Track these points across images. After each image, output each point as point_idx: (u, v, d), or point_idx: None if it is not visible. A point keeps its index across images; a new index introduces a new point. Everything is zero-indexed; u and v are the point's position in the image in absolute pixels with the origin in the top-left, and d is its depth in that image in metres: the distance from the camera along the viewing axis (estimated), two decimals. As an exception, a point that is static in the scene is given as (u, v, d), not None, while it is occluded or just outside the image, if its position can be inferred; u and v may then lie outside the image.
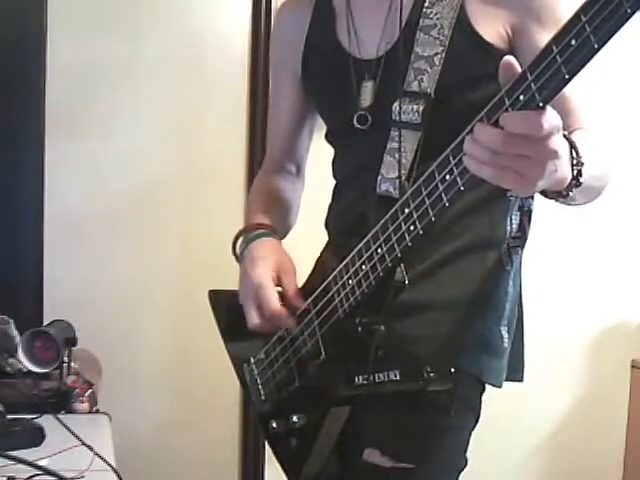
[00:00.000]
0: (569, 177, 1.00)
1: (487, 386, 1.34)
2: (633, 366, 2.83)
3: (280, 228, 1.46)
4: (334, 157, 1.47)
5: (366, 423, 1.29)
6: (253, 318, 1.34)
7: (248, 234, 1.42)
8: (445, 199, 1.05)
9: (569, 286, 2.72)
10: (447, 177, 1.03)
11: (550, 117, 0.89)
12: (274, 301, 1.31)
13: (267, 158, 1.62)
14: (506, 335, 1.32)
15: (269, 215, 1.47)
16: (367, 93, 1.31)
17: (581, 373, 2.80)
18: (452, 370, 1.19)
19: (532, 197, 1.33)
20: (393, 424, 1.28)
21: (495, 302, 1.31)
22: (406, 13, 1.28)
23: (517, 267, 1.33)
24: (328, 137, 1.48)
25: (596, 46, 0.82)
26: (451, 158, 1.02)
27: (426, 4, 1.25)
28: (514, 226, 1.31)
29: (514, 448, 2.71)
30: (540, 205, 1.36)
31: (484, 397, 1.34)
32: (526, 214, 1.32)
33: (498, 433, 2.47)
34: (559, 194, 1.03)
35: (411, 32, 1.25)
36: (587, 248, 2.73)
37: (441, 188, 1.05)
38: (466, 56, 1.23)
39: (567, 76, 0.85)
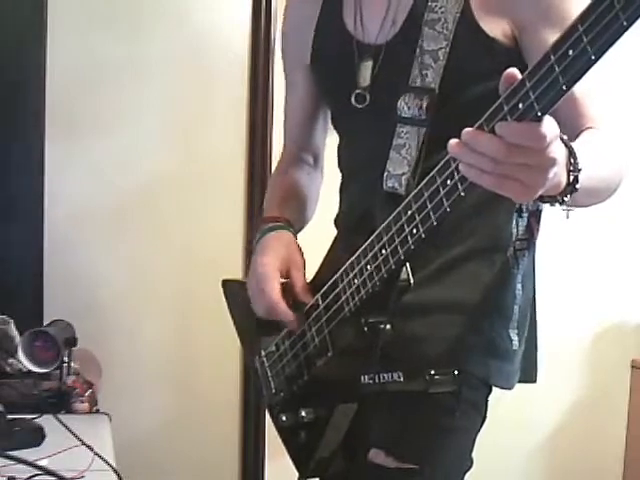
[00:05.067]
0: (564, 182, 0.99)
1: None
2: (633, 366, 2.83)
3: (296, 221, 1.46)
4: (339, 146, 1.47)
5: (371, 423, 1.29)
6: (260, 307, 1.35)
7: (263, 226, 1.43)
8: (446, 204, 1.04)
9: (569, 286, 2.72)
10: (448, 182, 1.03)
11: (549, 126, 0.88)
12: (275, 294, 1.32)
13: (284, 150, 1.62)
14: (515, 338, 1.31)
15: (285, 208, 1.47)
16: (366, 73, 1.32)
17: (581, 373, 2.80)
18: (456, 373, 1.19)
19: (539, 199, 1.33)
20: (398, 425, 1.28)
21: (503, 305, 1.30)
22: (409, 3, 1.27)
23: (526, 269, 1.33)
24: (332, 121, 1.49)
25: (593, 57, 0.81)
26: (452, 162, 1.01)
27: None
28: (521, 228, 1.31)
29: (514, 448, 2.71)
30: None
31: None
32: (534, 215, 1.32)
33: (498, 433, 2.46)
34: (554, 199, 1.02)
35: (415, 25, 1.25)
36: (586, 248, 2.73)
37: (442, 193, 1.04)
38: (470, 51, 1.22)
39: (565, 87, 0.84)
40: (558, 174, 0.95)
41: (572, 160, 0.99)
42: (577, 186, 1.00)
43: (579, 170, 0.99)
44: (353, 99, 1.32)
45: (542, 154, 0.89)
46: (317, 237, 1.42)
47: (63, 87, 2.18)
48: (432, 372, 1.18)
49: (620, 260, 2.78)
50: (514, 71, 0.89)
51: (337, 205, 1.49)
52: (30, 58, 2.15)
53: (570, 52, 0.82)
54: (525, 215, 1.31)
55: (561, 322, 2.67)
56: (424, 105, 1.22)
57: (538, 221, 1.33)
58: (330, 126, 1.56)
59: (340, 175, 1.47)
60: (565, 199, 1.01)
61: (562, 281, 2.68)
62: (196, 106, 2.32)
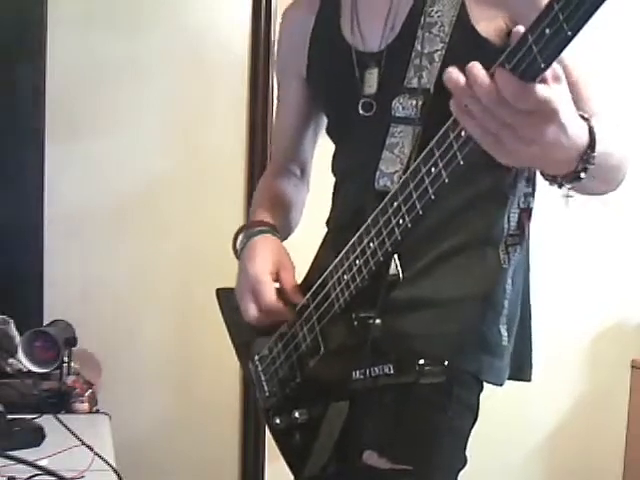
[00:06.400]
0: (568, 167, 0.99)
1: (488, 386, 1.34)
2: (633, 366, 2.83)
3: (281, 229, 1.47)
4: (334, 153, 1.48)
5: (364, 425, 1.29)
6: (250, 312, 1.36)
7: (249, 231, 1.44)
8: (431, 191, 1.07)
9: (569, 286, 2.72)
10: (432, 170, 1.05)
11: (542, 92, 0.88)
12: (271, 295, 1.32)
13: (272, 160, 1.64)
14: (505, 333, 1.32)
15: (271, 215, 1.48)
16: (372, 80, 1.33)
17: (581, 373, 2.80)
18: (445, 363, 1.19)
19: (533, 196, 1.33)
20: (391, 426, 1.28)
21: (493, 300, 1.31)
22: (406, 9, 1.29)
23: (517, 265, 1.33)
24: (329, 130, 1.49)
25: (569, 34, 0.82)
26: (435, 150, 1.04)
27: (427, 2, 1.26)
28: (512, 224, 1.31)
29: (514, 448, 2.71)
30: (540, 204, 1.36)
31: (484, 396, 1.34)
32: (525, 212, 1.32)
33: (498, 433, 2.47)
34: (554, 180, 1.02)
35: (412, 29, 1.27)
36: (587, 248, 2.73)
37: (427, 181, 1.07)
38: (465, 53, 1.22)
39: (543, 65, 0.85)
40: (557, 154, 0.94)
41: (589, 150, 0.98)
42: (582, 176, 0.99)
43: (592, 164, 0.99)
44: (360, 108, 1.33)
45: (532, 125, 0.89)
46: (311, 241, 1.43)
47: (63, 87, 2.18)
48: (421, 362, 1.18)
49: (620, 260, 2.78)
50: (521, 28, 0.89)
51: (330, 208, 1.49)
52: (30, 58, 2.15)
53: (547, 30, 0.83)
54: (516, 211, 1.31)
55: (561, 322, 2.67)
56: (418, 104, 1.23)
57: (529, 217, 1.33)
58: (319, 137, 1.58)
59: (334, 179, 1.48)
60: (564, 184, 1.01)
61: (562, 281, 2.69)
62: (196, 106, 2.32)
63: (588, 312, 2.77)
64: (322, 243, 1.45)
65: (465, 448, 1.33)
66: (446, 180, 1.04)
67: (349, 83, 1.34)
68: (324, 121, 1.52)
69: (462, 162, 1.01)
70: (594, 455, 2.82)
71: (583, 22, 0.81)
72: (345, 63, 1.35)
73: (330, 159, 1.48)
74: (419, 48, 1.25)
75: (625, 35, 2.63)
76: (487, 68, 0.91)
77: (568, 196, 1.04)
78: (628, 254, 2.80)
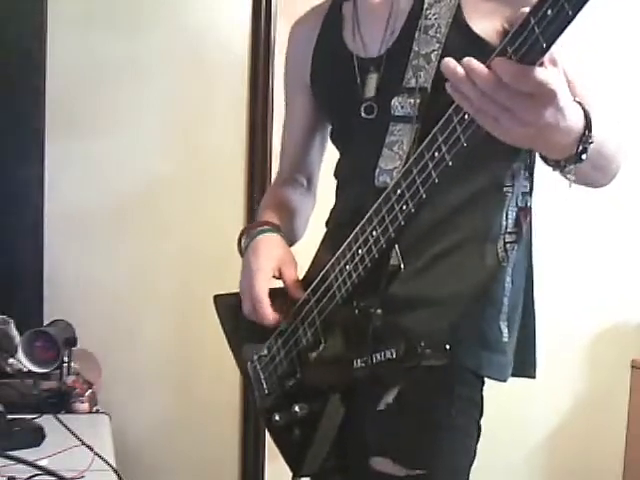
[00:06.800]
0: (570, 150, 1.01)
1: (487, 386, 1.34)
2: (633, 366, 2.83)
3: (285, 231, 1.48)
4: (338, 159, 1.50)
5: (372, 432, 1.30)
6: (247, 306, 1.38)
7: (252, 231, 1.45)
8: (434, 175, 1.11)
9: (569, 286, 2.72)
10: (436, 154, 1.09)
11: (543, 72, 0.90)
12: (261, 289, 1.34)
13: (279, 172, 1.66)
14: (506, 330, 1.33)
15: (276, 217, 1.50)
16: (372, 84, 1.35)
17: (581, 373, 2.80)
18: (447, 347, 1.19)
19: (530, 195, 1.34)
20: (399, 431, 1.29)
21: (492, 297, 1.32)
22: (405, 13, 1.32)
23: (516, 264, 1.34)
24: (333, 137, 1.52)
25: (570, 13, 0.85)
26: (439, 135, 1.07)
27: (425, 6, 1.29)
28: (510, 221, 1.32)
29: (513, 448, 2.71)
30: (540, 204, 1.36)
31: (484, 397, 1.34)
32: (523, 211, 1.33)
33: (498, 432, 2.46)
34: (557, 164, 1.04)
35: (410, 32, 1.29)
36: (587, 248, 2.73)
37: (430, 166, 1.10)
38: (460, 52, 1.24)
39: (545, 45, 0.88)
40: (556, 136, 0.97)
41: (587, 132, 1.01)
42: (583, 157, 1.02)
43: (591, 143, 1.01)
44: (363, 111, 1.35)
45: (527, 107, 0.91)
46: (312, 241, 1.43)
47: (63, 87, 2.18)
48: (423, 345, 1.18)
49: (620, 260, 2.78)
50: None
51: (330, 210, 1.50)
52: (30, 58, 2.14)
53: (549, 12, 0.86)
54: (514, 209, 1.32)
55: (561, 322, 2.67)
56: (416, 103, 1.26)
57: (526, 216, 1.34)
58: (325, 149, 1.59)
59: (335, 182, 1.49)
60: (567, 167, 1.03)
61: (562, 281, 2.68)
62: (196, 106, 2.32)
63: (588, 312, 2.77)
64: (322, 242, 1.47)
65: (476, 443, 1.34)
66: (450, 163, 1.07)
67: (351, 89, 1.37)
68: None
69: (465, 144, 1.04)
70: (594, 455, 2.82)
71: (584, 1, 0.83)
72: (347, 70, 1.38)
73: (330, 161, 1.49)
74: (417, 49, 1.27)
75: (623, 34, 2.63)
76: (482, 63, 0.93)
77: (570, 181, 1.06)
78: (628, 254, 2.80)
